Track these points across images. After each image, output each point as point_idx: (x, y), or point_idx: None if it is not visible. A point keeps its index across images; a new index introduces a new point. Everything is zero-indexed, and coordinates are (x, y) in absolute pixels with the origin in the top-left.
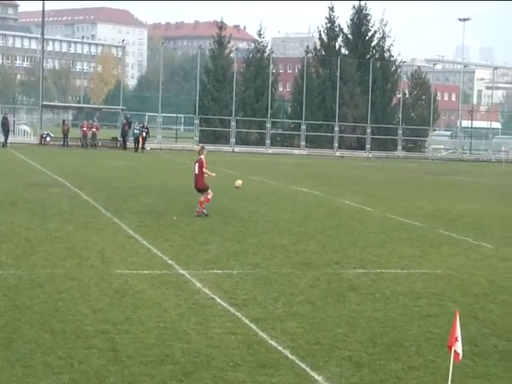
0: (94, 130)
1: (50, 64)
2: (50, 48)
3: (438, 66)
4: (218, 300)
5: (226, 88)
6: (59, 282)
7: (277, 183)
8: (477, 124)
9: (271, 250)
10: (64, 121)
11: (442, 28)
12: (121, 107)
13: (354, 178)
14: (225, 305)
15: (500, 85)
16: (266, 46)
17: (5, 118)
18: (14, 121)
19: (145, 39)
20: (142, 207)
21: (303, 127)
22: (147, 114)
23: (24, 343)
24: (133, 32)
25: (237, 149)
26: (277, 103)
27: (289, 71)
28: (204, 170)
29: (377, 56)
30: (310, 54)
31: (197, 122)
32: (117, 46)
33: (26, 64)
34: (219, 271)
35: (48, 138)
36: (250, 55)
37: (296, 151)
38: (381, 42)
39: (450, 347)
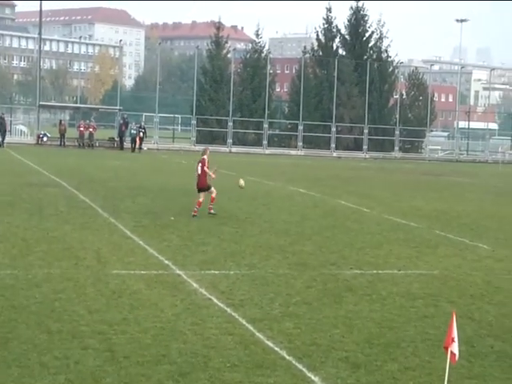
0: (90, 130)
1: (47, 64)
2: (47, 48)
3: (435, 67)
4: (215, 300)
5: (223, 88)
6: (56, 282)
7: (274, 184)
8: (474, 125)
9: (268, 251)
10: (61, 121)
11: (439, 29)
12: (118, 107)
13: (351, 179)
14: (221, 305)
15: (497, 86)
16: (264, 47)
17: (1, 118)
18: (10, 121)
19: (142, 39)
20: (139, 207)
21: (300, 128)
22: (144, 114)
23: (20, 343)
24: (130, 32)
25: (234, 149)
26: (274, 104)
27: (286, 72)
28: (205, 169)
29: (374, 57)
30: (307, 55)
31: (194, 122)
32: (114, 46)
33: (23, 64)
34: (216, 272)
35: (45, 138)
36: (248, 55)
37: (293, 152)
38: (378, 43)
39: (446, 348)
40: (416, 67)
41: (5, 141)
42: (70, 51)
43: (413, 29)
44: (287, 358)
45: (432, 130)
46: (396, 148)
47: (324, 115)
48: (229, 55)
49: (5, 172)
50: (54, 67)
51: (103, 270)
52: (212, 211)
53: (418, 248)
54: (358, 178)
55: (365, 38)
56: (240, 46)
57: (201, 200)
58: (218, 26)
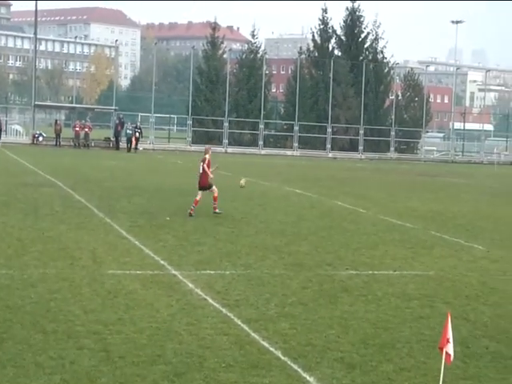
0: (86, 130)
1: (43, 64)
2: (42, 48)
3: (431, 68)
4: (211, 301)
5: (219, 89)
6: (51, 282)
7: (269, 184)
8: (469, 126)
9: (264, 251)
10: (56, 121)
11: (434, 30)
12: (113, 107)
13: (347, 180)
14: (217, 305)
15: (492, 87)
16: (260, 47)
17: None
18: (6, 120)
19: (138, 39)
20: (135, 208)
21: (296, 128)
22: (140, 114)
23: (15, 343)
24: (126, 32)
25: (229, 149)
26: (270, 104)
27: (282, 72)
28: (204, 166)
29: (370, 57)
30: (303, 56)
31: (190, 122)
32: (110, 46)
33: (18, 64)
34: (212, 272)
35: (40, 138)
36: (243, 56)
37: (289, 152)
38: (374, 44)
39: (441, 348)
40: (412, 68)
41: (0, 140)
42: (65, 51)
43: (408, 30)
44: (282, 358)
45: (427, 131)
46: (392, 149)
47: (320, 116)
48: (225, 56)
49: (0, 172)
50: (49, 67)
51: (99, 270)
52: (217, 210)
53: (413, 249)
54: (353, 179)
55: (360, 39)
56: (236, 46)
57: (198, 198)
58: (214, 27)
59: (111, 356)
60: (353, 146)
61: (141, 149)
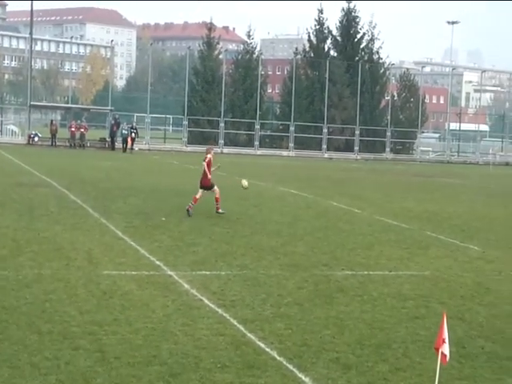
0: (82, 130)
1: (39, 64)
2: (38, 48)
3: (427, 69)
4: (206, 301)
5: (214, 89)
6: (46, 283)
7: (265, 184)
8: (465, 127)
9: (259, 252)
10: (52, 121)
11: (430, 30)
12: (109, 108)
13: (343, 180)
14: (213, 306)
15: (488, 88)
16: (255, 48)
17: None
18: (1, 121)
19: (133, 40)
20: (130, 208)
21: (292, 129)
22: (136, 114)
23: (11, 344)
24: (121, 32)
25: (225, 150)
26: (265, 105)
27: (278, 73)
28: (204, 164)
29: (365, 58)
30: (298, 56)
31: (185, 123)
32: (105, 47)
33: (14, 64)
34: (207, 272)
35: (36, 138)
36: (239, 56)
37: (284, 153)
38: (369, 44)
39: (437, 349)
40: (407, 69)
41: None
42: (61, 51)
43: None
44: (278, 358)
45: (423, 132)
46: (387, 149)
47: (315, 116)
48: (220, 56)
49: None
50: (45, 67)
51: (94, 271)
52: (220, 210)
53: (409, 249)
54: (349, 179)
55: (356, 40)
56: (232, 46)
57: (198, 196)
58: (210, 27)
59: (107, 357)
60: (348, 147)
61: (136, 149)
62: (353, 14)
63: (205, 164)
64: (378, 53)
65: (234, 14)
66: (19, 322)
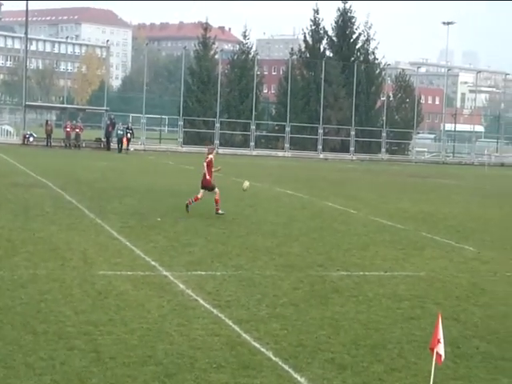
0: (77, 130)
1: (34, 64)
2: (33, 48)
3: (422, 69)
4: (202, 301)
5: (210, 89)
6: (41, 283)
7: (261, 185)
8: (460, 127)
9: (255, 252)
10: (47, 121)
11: (425, 31)
12: (105, 108)
13: (338, 181)
14: (208, 306)
15: (483, 88)
16: (251, 48)
17: None
18: None
19: (129, 40)
20: (126, 208)
21: (287, 129)
22: (131, 114)
23: (5, 344)
24: (117, 32)
25: (221, 150)
26: (261, 105)
27: (273, 73)
28: (204, 164)
29: (361, 59)
30: (294, 56)
31: (181, 123)
32: (101, 47)
33: (9, 64)
34: (203, 273)
35: (31, 139)
36: (235, 57)
37: (280, 153)
38: (365, 45)
39: (432, 349)
40: (403, 69)
41: None
42: (56, 51)
43: (400, 31)
44: (273, 358)
45: (419, 132)
46: (383, 150)
47: (311, 117)
48: (216, 56)
49: None
50: (40, 67)
51: (89, 271)
52: (220, 211)
53: (404, 250)
54: (344, 180)
55: (352, 40)
56: (227, 47)
57: (199, 196)
58: (206, 27)
59: (102, 357)
60: (344, 147)
61: (132, 149)
62: (348, 14)
63: (205, 164)
64: (373, 53)
65: (230, 14)
66: (14, 322)
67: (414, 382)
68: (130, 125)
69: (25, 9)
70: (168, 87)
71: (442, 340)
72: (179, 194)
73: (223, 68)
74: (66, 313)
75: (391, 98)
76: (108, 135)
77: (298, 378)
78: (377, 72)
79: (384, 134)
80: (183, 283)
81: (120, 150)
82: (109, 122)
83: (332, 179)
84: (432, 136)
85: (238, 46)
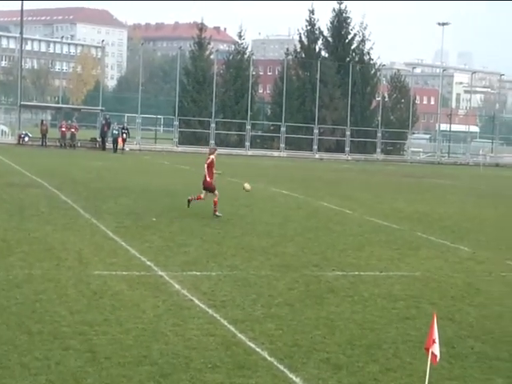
0: (72, 130)
1: (29, 64)
2: (28, 47)
3: (417, 70)
4: (197, 301)
5: (205, 90)
6: (37, 283)
7: (256, 185)
8: (455, 128)
9: (250, 252)
10: (42, 121)
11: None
12: (100, 108)
13: (333, 181)
14: (203, 306)
15: (478, 89)
16: (246, 48)
17: None
18: None
19: (124, 40)
20: (121, 208)
21: (283, 129)
22: (126, 114)
23: (1, 344)
24: (112, 32)
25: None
26: (257, 105)
27: (269, 73)
28: (205, 165)
29: (356, 59)
30: (290, 57)
31: (176, 123)
32: (96, 47)
33: (4, 63)
34: (198, 273)
35: (26, 138)
36: (230, 57)
37: (275, 153)
38: (360, 45)
39: (427, 349)
40: (398, 70)
41: None
42: (51, 51)
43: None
44: (269, 359)
45: (414, 133)
46: (378, 150)
47: (306, 117)
48: (211, 56)
49: None
50: (35, 67)
51: (85, 271)
52: (217, 213)
53: (399, 250)
54: (340, 180)
55: (347, 41)
56: (223, 47)
57: (202, 196)
58: (201, 27)
59: (97, 357)
60: (339, 147)
61: (127, 149)
62: (344, 14)
63: (205, 165)
64: (368, 54)
65: (225, 14)
66: (9, 322)
67: (409, 381)
68: (125, 125)
69: (20, 9)
70: (163, 87)
71: (437, 340)
72: (174, 193)
73: (218, 68)
74: (61, 313)
75: (386, 99)
76: (103, 135)
77: (294, 378)
78: (372, 72)
79: (379, 135)
80: (178, 283)
81: (115, 149)
82: (104, 122)
83: (327, 179)
84: (427, 136)
85: (233, 46)
